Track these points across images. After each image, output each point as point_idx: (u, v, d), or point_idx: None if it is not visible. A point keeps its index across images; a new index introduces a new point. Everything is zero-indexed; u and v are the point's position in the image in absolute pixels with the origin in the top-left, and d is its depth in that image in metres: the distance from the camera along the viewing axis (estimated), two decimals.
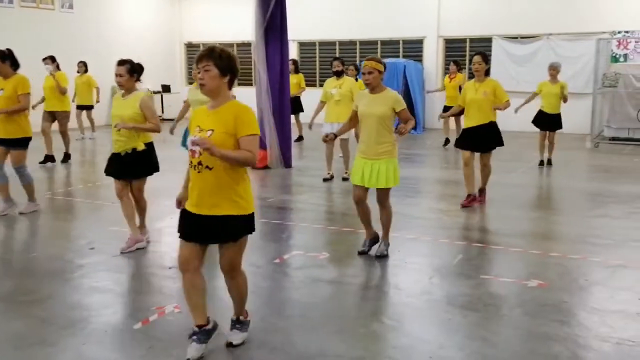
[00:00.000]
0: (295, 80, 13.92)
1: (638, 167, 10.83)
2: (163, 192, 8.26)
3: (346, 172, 9.12)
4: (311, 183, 9.47)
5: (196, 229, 3.54)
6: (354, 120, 5.69)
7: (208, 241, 3.60)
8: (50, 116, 11.12)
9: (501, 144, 7.59)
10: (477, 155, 7.60)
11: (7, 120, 6.91)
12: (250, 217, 3.58)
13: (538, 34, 16.18)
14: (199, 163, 3.45)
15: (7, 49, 7.06)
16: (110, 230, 6.54)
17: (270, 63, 10.35)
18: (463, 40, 17.18)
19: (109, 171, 5.87)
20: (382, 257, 5.59)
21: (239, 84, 17.73)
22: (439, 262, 5.61)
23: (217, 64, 3.48)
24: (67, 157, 11.20)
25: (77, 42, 16.44)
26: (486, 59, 7.39)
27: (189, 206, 3.55)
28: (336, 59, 9.58)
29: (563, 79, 15.46)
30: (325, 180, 9.29)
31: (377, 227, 5.81)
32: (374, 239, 5.77)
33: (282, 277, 5.26)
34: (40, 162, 10.75)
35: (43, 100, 11.28)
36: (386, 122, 5.40)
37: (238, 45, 19.79)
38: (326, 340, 3.94)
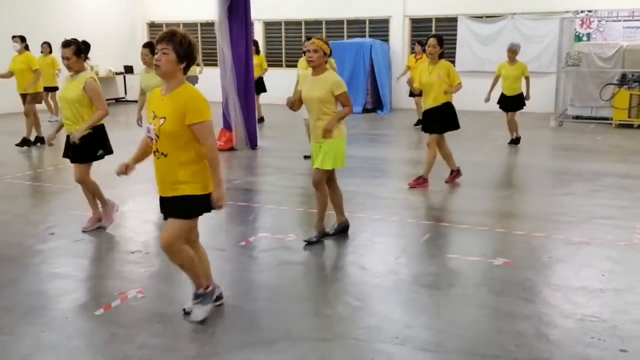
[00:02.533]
0: (256, 61, 13.74)
1: (601, 146, 11.00)
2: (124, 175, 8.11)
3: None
4: (277, 164, 9.39)
5: (163, 209, 3.75)
6: (299, 102, 5.52)
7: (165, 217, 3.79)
8: (22, 98, 10.81)
9: (455, 126, 7.58)
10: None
11: None
12: (206, 197, 3.67)
13: (503, 14, 16.24)
14: (157, 150, 3.57)
15: None
16: (71, 214, 6.39)
17: (234, 43, 10.18)
18: (429, 20, 17.17)
19: (65, 154, 5.78)
20: (340, 233, 5.63)
21: (204, 65, 17.57)
22: (405, 242, 5.61)
23: (177, 49, 3.46)
24: (28, 143, 10.79)
25: (38, 22, 15.97)
26: (441, 42, 7.37)
27: (158, 189, 3.71)
28: (308, 38, 9.42)
29: (527, 58, 15.62)
30: (306, 157, 9.12)
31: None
32: (321, 233, 5.60)
33: (248, 259, 5.19)
34: (17, 144, 10.63)
35: (8, 77, 10.83)
36: (327, 105, 5.24)
37: (202, 24, 19.49)
38: (292, 322, 3.91)
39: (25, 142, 10.69)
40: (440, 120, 7.47)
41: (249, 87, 10.49)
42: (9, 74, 10.76)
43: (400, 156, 10.35)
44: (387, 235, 5.82)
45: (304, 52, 9.08)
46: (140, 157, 3.89)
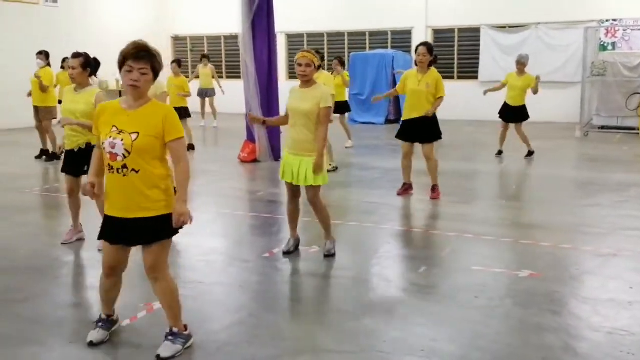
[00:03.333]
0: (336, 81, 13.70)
1: (627, 156, 10.85)
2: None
3: (330, 164, 9.17)
4: None
5: (123, 232, 3.44)
6: (286, 116, 5.34)
7: (135, 243, 3.52)
8: (35, 112, 10.96)
9: (439, 137, 7.51)
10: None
11: None
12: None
13: (526, 23, 16.17)
14: (124, 166, 3.33)
15: None
16: (94, 225, 6.44)
17: (258, 55, 10.26)
18: (451, 31, 17.16)
19: (65, 169, 5.73)
20: (330, 255, 5.37)
21: (227, 77, 17.73)
22: (429, 253, 5.58)
23: (155, 67, 3.36)
24: (45, 154, 10.93)
25: (61, 37, 16.24)
26: (431, 50, 7.27)
27: (112, 211, 3.43)
28: (317, 52, 9.45)
29: (552, 68, 15.51)
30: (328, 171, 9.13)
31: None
32: (297, 241, 5.60)
33: (272, 271, 5.20)
34: (36, 157, 10.82)
35: (29, 94, 11.05)
36: (312, 119, 5.08)
37: (226, 37, 19.70)
38: (317, 334, 3.90)
39: (45, 154, 10.88)
40: (429, 129, 7.35)
41: (273, 99, 10.54)
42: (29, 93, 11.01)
43: (422, 167, 10.29)
44: (410, 247, 5.80)
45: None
46: (99, 172, 3.57)
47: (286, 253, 5.46)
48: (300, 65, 5.09)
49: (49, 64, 11.02)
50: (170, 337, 3.61)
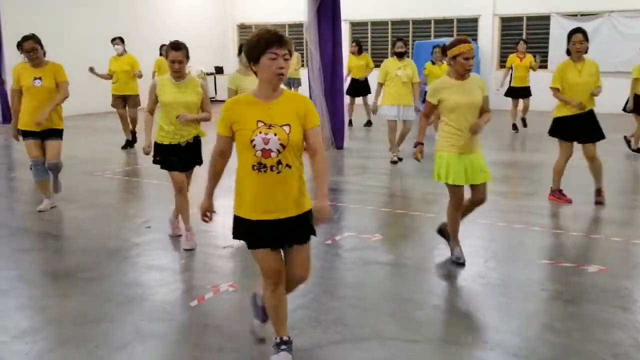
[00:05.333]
0: (362, 61, 13.69)
1: None
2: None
3: (394, 154, 9.20)
4: (363, 164, 9.42)
5: (277, 234, 3.16)
6: (434, 114, 5.09)
7: (291, 245, 3.24)
8: (121, 100, 10.90)
9: (603, 135, 6.63)
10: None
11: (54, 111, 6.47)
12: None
13: (599, 11, 15.59)
14: (279, 162, 3.06)
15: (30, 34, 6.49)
16: (167, 209, 6.64)
17: (323, 43, 10.29)
18: (520, 19, 16.72)
19: (169, 165, 5.34)
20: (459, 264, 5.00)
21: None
22: (495, 245, 5.50)
23: (291, 53, 3.12)
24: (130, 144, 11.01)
25: (128, 24, 16.67)
26: (587, 36, 6.63)
27: (258, 214, 3.13)
28: (400, 39, 9.35)
29: (625, 57, 14.89)
30: (393, 163, 9.15)
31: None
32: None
33: (335, 258, 5.25)
34: (122, 147, 10.84)
35: (109, 79, 10.94)
36: (478, 109, 4.82)
37: (290, 25, 19.78)
38: (379, 322, 3.92)
39: (129, 143, 10.95)
40: (596, 126, 6.56)
41: (337, 87, 10.56)
42: (108, 76, 10.91)
43: (491, 158, 10.10)
44: (476, 237, 5.72)
45: (397, 54, 9.13)
46: (214, 187, 3.39)
47: (460, 264, 4.96)
48: (468, 58, 4.65)
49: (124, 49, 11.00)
50: (284, 347, 3.35)
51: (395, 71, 9.00)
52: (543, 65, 16.47)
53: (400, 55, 9.11)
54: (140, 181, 8.45)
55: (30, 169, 6.90)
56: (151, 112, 5.35)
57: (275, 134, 3.03)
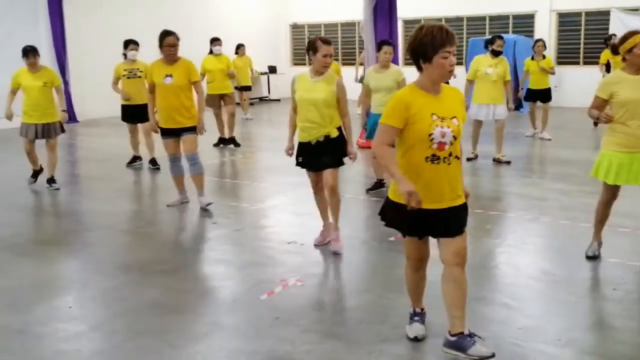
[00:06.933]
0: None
1: None
2: (276, 169, 8.49)
3: (502, 155, 8.87)
4: None
5: (432, 224, 3.26)
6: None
7: (447, 234, 3.29)
8: (218, 99, 10.73)
9: None
10: None
11: (185, 109, 6.39)
12: None
13: None
14: (450, 154, 3.17)
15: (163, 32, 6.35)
16: (230, 205, 6.81)
17: (378, 42, 10.28)
18: (578, 14, 16.36)
19: (302, 163, 5.20)
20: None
21: (343, 64, 17.88)
22: (559, 243, 5.44)
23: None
24: (224, 141, 10.81)
25: (185, 24, 16.93)
26: None
27: (427, 203, 3.13)
28: (500, 37, 9.10)
29: None
30: (469, 159, 8.93)
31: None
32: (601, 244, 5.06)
33: (399, 255, 5.25)
34: (214, 145, 10.74)
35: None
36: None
37: (342, 25, 19.85)
38: (446, 318, 3.92)
39: (224, 142, 10.82)
40: None
41: None
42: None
43: (550, 155, 9.98)
44: (539, 236, 5.68)
45: (493, 52, 8.73)
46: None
47: (593, 257, 4.91)
48: None
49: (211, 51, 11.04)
50: (418, 317, 3.68)
51: (485, 69, 8.69)
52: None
53: (497, 54, 8.83)
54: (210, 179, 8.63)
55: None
56: (294, 109, 5.18)
57: (448, 127, 3.13)
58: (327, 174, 5.08)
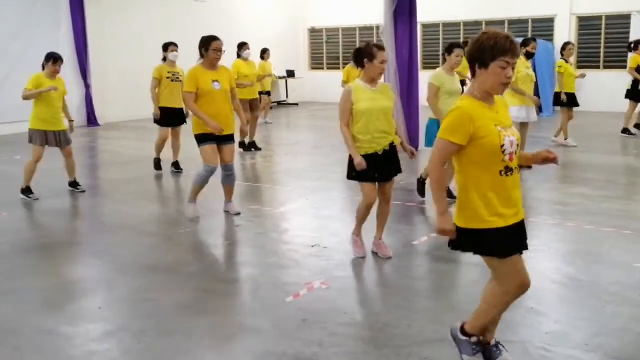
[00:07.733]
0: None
1: None
2: (296, 173, 8.52)
3: None
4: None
5: (523, 237, 3.18)
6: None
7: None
8: (248, 104, 10.60)
9: None
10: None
11: (232, 114, 6.27)
12: None
13: None
14: (513, 167, 3.04)
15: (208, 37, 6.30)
16: (252, 209, 6.85)
17: (399, 46, 10.32)
18: (598, 18, 16.27)
19: (372, 177, 5.00)
20: None
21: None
22: (583, 248, 5.42)
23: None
24: (251, 145, 10.87)
25: (207, 30, 17.05)
26: None
27: (502, 220, 3.03)
28: (533, 39, 9.12)
29: None
30: None
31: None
32: None
33: (424, 259, 5.28)
34: (244, 149, 10.71)
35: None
36: None
37: (360, 29, 19.89)
38: None
39: (251, 146, 10.84)
40: None
41: (413, 89, 10.57)
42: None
43: (572, 160, 9.92)
44: (563, 241, 5.66)
45: (528, 55, 8.72)
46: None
47: None
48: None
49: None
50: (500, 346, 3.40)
51: (525, 70, 8.66)
52: (622, 65, 15.96)
53: (531, 56, 8.88)
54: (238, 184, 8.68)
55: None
56: (347, 124, 4.94)
57: (513, 135, 2.99)
58: (388, 183, 5.05)
